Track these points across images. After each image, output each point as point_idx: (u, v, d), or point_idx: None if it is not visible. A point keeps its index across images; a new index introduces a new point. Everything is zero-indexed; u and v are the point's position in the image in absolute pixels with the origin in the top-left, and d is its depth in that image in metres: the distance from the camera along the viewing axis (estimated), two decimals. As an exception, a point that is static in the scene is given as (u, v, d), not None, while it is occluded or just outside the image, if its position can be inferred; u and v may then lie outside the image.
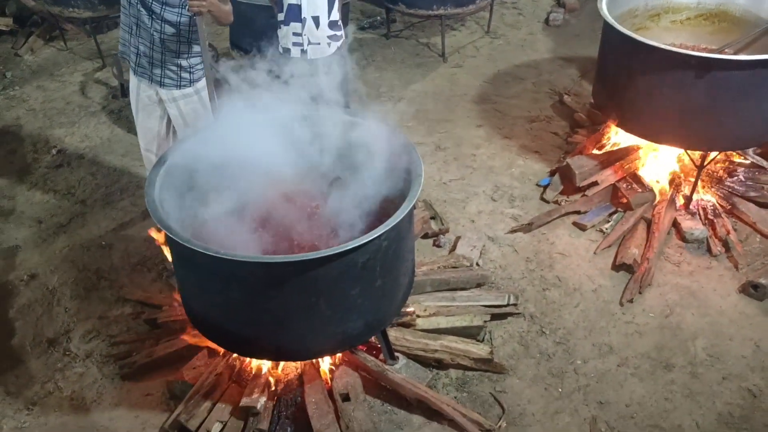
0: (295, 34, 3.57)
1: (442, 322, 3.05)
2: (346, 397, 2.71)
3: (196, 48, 3.12)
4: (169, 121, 3.41)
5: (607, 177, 3.92)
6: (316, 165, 2.77)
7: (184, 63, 3.18)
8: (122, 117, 4.86)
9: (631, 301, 3.31)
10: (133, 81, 3.29)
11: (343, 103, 3.09)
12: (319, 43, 3.60)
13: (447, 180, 4.20)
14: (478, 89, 5.27)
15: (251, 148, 2.55)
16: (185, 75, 3.22)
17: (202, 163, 2.50)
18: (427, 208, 3.85)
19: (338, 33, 3.68)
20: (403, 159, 2.56)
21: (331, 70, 3.62)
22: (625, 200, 3.83)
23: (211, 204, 2.54)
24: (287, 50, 3.62)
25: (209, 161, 2.50)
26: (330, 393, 2.73)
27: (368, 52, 5.88)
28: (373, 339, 2.86)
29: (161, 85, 3.22)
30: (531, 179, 4.17)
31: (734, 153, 3.97)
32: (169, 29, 3.07)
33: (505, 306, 3.21)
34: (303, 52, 3.59)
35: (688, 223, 3.66)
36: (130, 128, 4.52)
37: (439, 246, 3.65)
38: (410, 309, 3.03)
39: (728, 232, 3.61)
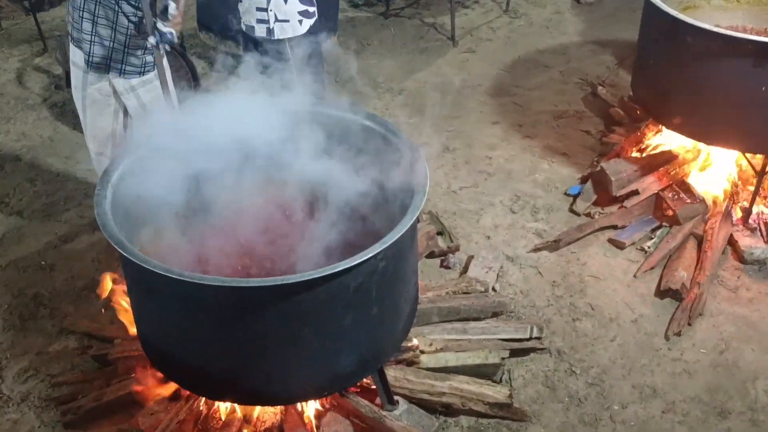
0: (259, 9, 3.54)
1: (452, 359, 3.05)
2: (335, 450, 2.71)
3: (159, 26, 3.14)
4: (125, 116, 3.42)
5: (650, 185, 3.94)
6: (294, 169, 2.79)
7: (149, 44, 3.18)
8: (67, 111, 4.87)
9: (678, 333, 3.31)
10: (77, 73, 3.29)
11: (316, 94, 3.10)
12: (288, 20, 3.58)
13: (457, 188, 4.22)
14: (495, 79, 5.29)
15: (219, 147, 2.57)
16: (149, 58, 3.23)
17: (165, 163, 2.52)
18: (432, 222, 3.86)
19: (311, 9, 3.67)
20: (402, 164, 2.57)
21: (303, 53, 3.65)
22: (671, 213, 3.84)
23: (175, 214, 2.55)
24: (251, 28, 3.61)
25: (173, 160, 2.52)
26: (316, 445, 2.73)
27: (363, 35, 5.92)
28: (368, 379, 2.86)
29: (122, 73, 3.22)
30: (558, 187, 4.20)
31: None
32: (132, 8, 3.10)
33: (527, 340, 3.21)
34: (269, 30, 3.58)
35: (746, 241, 3.68)
36: (77, 124, 4.53)
37: (447, 267, 3.66)
38: (413, 343, 3.03)
39: (795, 251, 3.63)
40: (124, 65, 3.21)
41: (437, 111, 4.95)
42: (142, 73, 3.25)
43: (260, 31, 3.59)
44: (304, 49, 3.68)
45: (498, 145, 4.58)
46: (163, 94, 3.22)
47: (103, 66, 3.23)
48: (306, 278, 2.14)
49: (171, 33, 3.08)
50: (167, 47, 3.21)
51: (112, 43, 3.17)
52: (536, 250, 3.76)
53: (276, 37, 3.62)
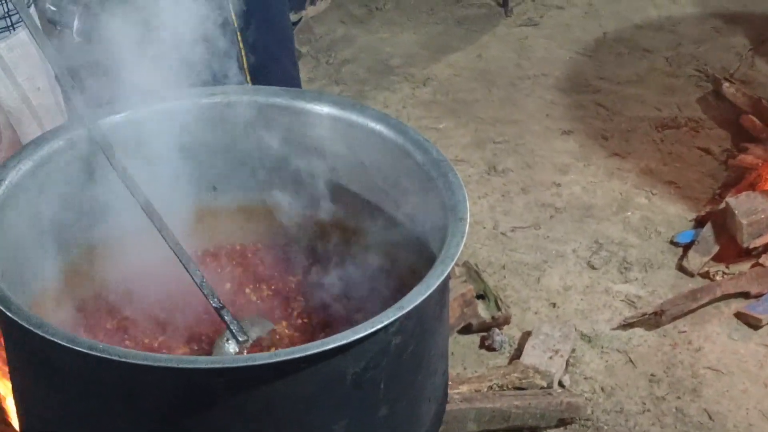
0: None
1: (495, 490, 3.04)
2: None
3: None
4: None
5: (800, 232, 3.94)
6: (261, 196, 2.81)
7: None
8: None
9: (841, 460, 3.29)
10: None
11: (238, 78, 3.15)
12: None
13: (508, 228, 4.23)
14: (568, 67, 5.32)
15: (142, 156, 2.60)
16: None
17: (71, 180, 2.54)
18: (470, 280, 3.86)
19: None
20: (428, 190, 2.58)
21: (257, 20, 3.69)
22: (831, 275, 3.84)
23: (86, 257, 2.56)
24: None
25: (83, 176, 2.54)
26: None
27: (371, -5, 5.99)
28: None
29: None
30: (660, 232, 4.20)
31: None
32: None
33: (610, 463, 3.20)
34: None
35: None
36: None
37: (491, 348, 3.66)
38: (437, 463, 3.02)
39: None
40: None
41: (480, 112, 4.98)
42: (11, 28, 3.26)
43: None
44: (257, 16, 3.73)
45: (571, 166, 4.59)
46: (40, 51, 3.22)
47: None
48: (280, 359, 2.13)
49: None
50: None
51: None
52: (627, 326, 3.75)
53: None
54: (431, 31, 5.67)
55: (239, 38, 3.68)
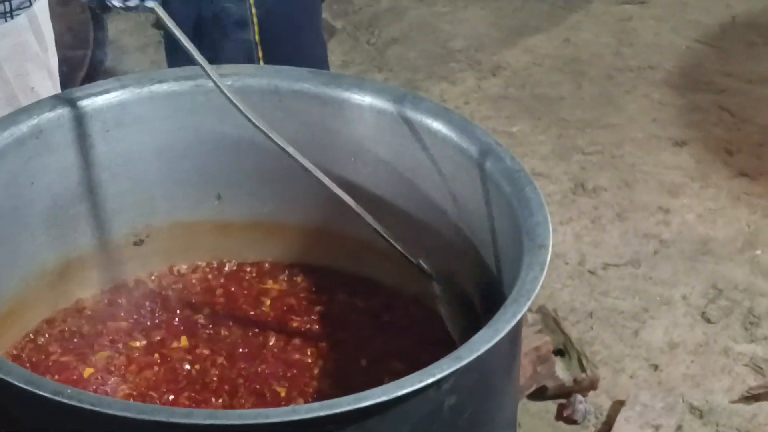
0: None
1: None
2: None
3: None
4: None
5: None
6: (280, 207, 2.86)
7: None
8: None
9: None
10: None
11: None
12: None
13: (598, 265, 4.25)
14: (683, 58, 5.32)
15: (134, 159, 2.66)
16: None
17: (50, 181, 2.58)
18: (547, 330, 3.86)
19: None
20: (499, 208, 2.60)
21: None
22: None
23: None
24: None
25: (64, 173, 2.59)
26: None
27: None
28: None
29: None
30: (800, 278, 4.20)
31: None
32: None
33: None
34: None
35: None
36: None
37: (572, 421, 3.67)
38: None
39: None
40: None
41: (566, 113, 4.99)
42: (8, 14, 3.34)
43: None
44: None
45: (685, 186, 4.59)
46: (47, 41, 3.30)
47: None
48: (299, 417, 2.13)
49: None
50: None
51: None
52: (751, 398, 3.75)
53: None
54: (505, 6, 5.69)
55: (251, 2, 3.70)
